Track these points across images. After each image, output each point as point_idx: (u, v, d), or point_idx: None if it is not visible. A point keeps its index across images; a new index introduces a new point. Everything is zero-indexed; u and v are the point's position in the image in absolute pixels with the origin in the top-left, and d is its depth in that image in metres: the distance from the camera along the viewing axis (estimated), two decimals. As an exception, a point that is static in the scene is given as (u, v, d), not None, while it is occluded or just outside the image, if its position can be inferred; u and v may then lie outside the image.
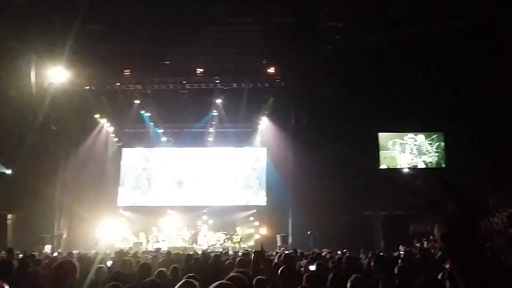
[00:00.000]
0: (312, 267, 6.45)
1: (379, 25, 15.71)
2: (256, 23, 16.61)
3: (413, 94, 17.03)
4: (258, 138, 21.51)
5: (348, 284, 3.89)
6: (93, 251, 13.51)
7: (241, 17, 16.21)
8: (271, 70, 18.00)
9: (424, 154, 19.66)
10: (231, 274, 3.50)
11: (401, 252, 11.33)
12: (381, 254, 8.47)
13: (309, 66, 16.95)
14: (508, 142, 16.15)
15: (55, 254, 14.13)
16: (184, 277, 5.12)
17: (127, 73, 17.39)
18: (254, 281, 5.19)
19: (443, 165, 19.54)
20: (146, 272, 5.66)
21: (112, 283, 4.63)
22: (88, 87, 18.32)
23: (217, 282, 2.70)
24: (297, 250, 10.65)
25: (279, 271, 5.20)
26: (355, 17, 16.16)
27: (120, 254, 9.93)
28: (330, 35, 16.86)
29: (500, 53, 15.45)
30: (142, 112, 20.24)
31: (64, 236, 19.00)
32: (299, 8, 16.14)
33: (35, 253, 10.89)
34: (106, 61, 16.56)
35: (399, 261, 6.33)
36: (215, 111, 20.19)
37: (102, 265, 6.94)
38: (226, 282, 2.77)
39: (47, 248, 16.55)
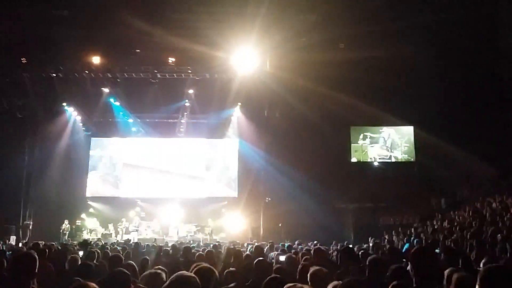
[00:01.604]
0: (282, 258, 6.46)
1: (351, 18, 15.76)
2: (230, 12, 16.41)
3: (384, 88, 17.22)
4: (230, 130, 21.39)
5: (314, 275, 3.90)
6: (59, 242, 13.23)
7: (215, 6, 15.98)
8: (244, 61, 17.82)
9: (395, 148, 19.99)
10: (199, 265, 3.43)
11: (370, 244, 11.48)
12: (349, 246, 8.54)
13: (283, 57, 16.89)
14: (478, 135, 16.52)
15: (20, 245, 13.80)
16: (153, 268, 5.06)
17: (96, 61, 16.90)
18: (224, 273, 5.16)
19: (412, 159, 19.93)
20: (116, 264, 5.51)
21: (78, 278, 4.51)
22: (55, 74, 17.75)
23: (178, 273, 2.62)
24: (270, 242, 10.66)
25: (250, 263, 5.17)
26: (328, 10, 16.16)
27: (85, 244, 9.71)
28: (305, 26, 16.82)
29: (471, 45, 15.76)
30: (111, 101, 19.76)
31: (30, 226, 18.50)
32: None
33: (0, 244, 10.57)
34: (74, 48, 16.07)
35: (370, 252, 6.39)
36: (187, 101, 19.92)
37: (75, 255, 6.76)
38: (187, 274, 2.69)
39: (12, 239, 16.11)
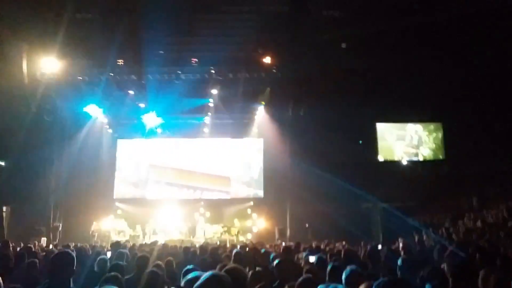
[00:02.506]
0: (312, 259, 6.35)
1: (375, 14, 15.52)
2: (252, 12, 16.38)
3: (411, 84, 16.88)
4: (255, 129, 21.32)
5: (345, 276, 3.83)
6: (89, 244, 13.38)
7: (237, 5, 15.97)
8: (267, 60, 17.77)
9: (422, 145, 19.56)
10: (229, 265, 3.38)
11: (400, 244, 11.22)
12: (378, 246, 8.38)
13: (306, 55, 16.75)
14: (508, 132, 16.03)
15: (51, 246, 14.03)
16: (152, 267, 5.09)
17: (120, 63, 17.09)
18: (250, 274, 5.09)
19: (441, 157, 19.47)
20: (144, 265, 5.56)
21: (112, 273, 4.59)
22: (81, 78, 18.04)
23: (211, 272, 2.57)
24: (299, 243, 10.58)
25: (278, 263, 5.08)
26: (351, 6, 15.96)
27: (117, 246, 9.79)
28: (327, 24, 16.65)
29: (500, 43, 15.31)
30: (136, 102, 19.96)
31: (60, 228, 18.84)
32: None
33: (31, 246, 10.75)
34: (99, 50, 16.27)
35: (402, 253, 6.24)
36: (211, 101, 19.97)
37: (104, 256, 6.86)
38: (221, 273, 2.64)
39: (43, 241, 16.42)
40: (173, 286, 4.65)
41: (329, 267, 4.49)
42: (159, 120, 20.32)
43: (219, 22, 15.56)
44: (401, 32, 15.22)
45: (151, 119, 19.98)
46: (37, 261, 6.23)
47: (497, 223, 12.20)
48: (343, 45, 16.20)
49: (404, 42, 15.89)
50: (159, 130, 21.46)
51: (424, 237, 13.55)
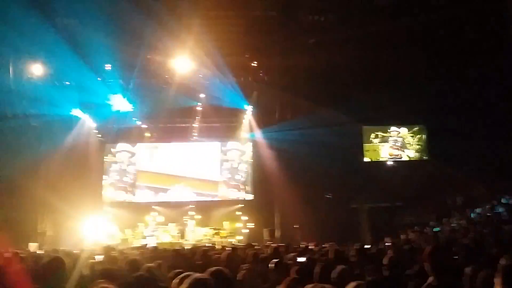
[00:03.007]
0: (301, 259, 6.49)
1: (360, 19, 15.74)
2: (239, 16, 16.50)
3: (395, 87, 17.15)
4: (243, 132, 21.46)
5: (334, 275, 3.92)
6: (79, 248, 13.35)
7: (224, 10, 16.07)
8: (254, 63, 17.92)
9: (406, 147, 19.89)
10: (215, 268, 3.49)
11: (387, 244, 11.44)
12: (364, 247, 8.54)
13: (293, 59, 16.92)
14: (491, 134, 16.38)
15: (41, 252, 13.94)
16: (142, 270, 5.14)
17: (108, 68, 17.10)
18: (242, 275, 5.21)
19: (425, 158, 19.80)
20: (135, 268, 5.61)
21: (103, 277, 4.61)
22: (68, 82, 18.00)
23: (194, 276, 2.68)
24: (287, 244, 10.73)
25: (268, 264, 5.22)
26: (338, 10, 16.16)
27: (107, 250, 9.82)
28: (313, 29, 16.84)
29: (483, 46, 15.63)
30: (124, 107, 19.89)
31: (49, 233, 18.73)
32: (282, 2, 16.06)
33: (19, 251, 10.70)
34: (85, 56, 16.24)
35: (389, 252, 6.39)
36: (199, 105, 20.06)
37: (95, 260, 6.88)
38: (203, 276, 2.75)
39: (33, 246, 16.32)
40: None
41: (317, 268, 4.62)
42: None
43: (206, 26, 15.62)
44: (386, 36, 15.45)
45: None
46: (25, 267, 6.22)
47: (480, 221, 12.48)
48: (311, 41, 16.33)
49: (389, 46, 16.14)
50: (146, 134, 21.46)
51: (410, 236, 13.82)
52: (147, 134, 21.51)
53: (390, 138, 19.92)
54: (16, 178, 17.15)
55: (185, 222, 19.85)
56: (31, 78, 16.92)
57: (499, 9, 14.79)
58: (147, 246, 13.55)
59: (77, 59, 16.16)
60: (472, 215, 14.47)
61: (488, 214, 13.43)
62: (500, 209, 13.25)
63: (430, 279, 3.43)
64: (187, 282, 2.66)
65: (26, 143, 18.23)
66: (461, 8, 14.61)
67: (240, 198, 21.03)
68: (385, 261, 4.38)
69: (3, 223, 17.34)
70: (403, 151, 19.88)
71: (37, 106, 18.23)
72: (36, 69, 16.82)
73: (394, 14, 15.24)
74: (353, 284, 3.07)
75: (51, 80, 17.56)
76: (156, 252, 9.75)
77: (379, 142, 19.90)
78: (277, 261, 5.23)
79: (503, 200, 14.20)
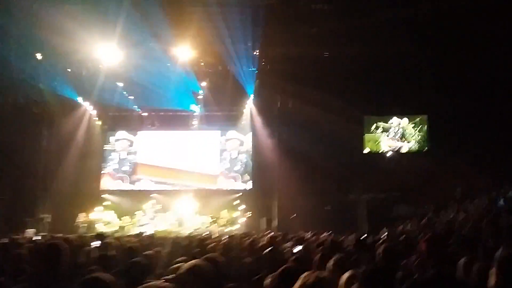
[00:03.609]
0: (296, 249, 6.49)
1: (364, 8, 15.62)
2: (241, 5, 16.38)
3: (397, 77, 17.07)
4: (243, 122, 21.42)
5: (331, 263, 3.92)
6: (77, 235, 13.40)
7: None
8: (256, 52, 17.83)
9: (407, 137, 19.83)
10: (209, 255, 3.50)
11: (384, 234, 11.44)
12: (361, 237, 8.55)
13: (295, 48, 16.83)
14: (492, 124, 16.33)
15: (39, 237, 13.99)
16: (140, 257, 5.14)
17: (110, 55, 16.99)
18: (238, 264, 5.22)
19: (425, 149, 19.77)
20: (132, 255, 5.61)
21: (99, 264, 4.65)
22: (69, 69, 17.94)
23: (191, 262, 2.69)
24: (284, 233, 10.75)
25: (264, 252, 5.23)
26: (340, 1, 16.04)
27: (103, 237, 9.84)
28: (315, 18, 16.72)
29: (485, 36, 15.51)
30: (125, 95, 19.89)
31: (48, 220, 18.80)
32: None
33: (18, 237, 10.74)
34: (86, 42, 16.15)
35: (385, 242, 6.39)
36: (200, 93, 20.01)
37: (90, 247, 6.91)
38: (200, 262, 2.77)
39: (30, 232, 16.38)
40: (161, 277, 4.73)
41: (316, 257, 4.61)
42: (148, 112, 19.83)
43: (208, 14, 15.52)
44: (387, 26, 15.33)
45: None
46: (23, 252, 6.23)
47: (479, 213, 12.46)
48: (313, 30, 16.24)
49: (392, 35, 16.03)
50: (147, 123, 21.48)
51: (408, 227, 13.84)
52: (147, 122, 21.51)
53: (391, 129, 19.86)
54: (16, 164, 17.19)
55: (183, 210, 19.89)
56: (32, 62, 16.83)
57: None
58: (143, 233, 13.59)
59: (76, 45, 16.07)
60: (471, 206, 14.45)
61: (487, 205, 13.40)
62: (500, 201, 13.22)
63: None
64: (184, 267, 2.68)
65: (26, 131, 18.22)
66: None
67: (239, 187, 21.03)
68: (379, 250, 4.38)
69: (3, 209, 17.45)
70: (403, 142, 19.83)
71: (39, 94, 18.18)
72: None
73: (396, 3, 15.12)
74: (349, 272, 3.07)
75: (52, 66, 17.47)
76: (154, 240, 9.79)
77: (381, 133, 19.84)
78: (271, 248, 5.24)
79: (502, 191, 14.17)
